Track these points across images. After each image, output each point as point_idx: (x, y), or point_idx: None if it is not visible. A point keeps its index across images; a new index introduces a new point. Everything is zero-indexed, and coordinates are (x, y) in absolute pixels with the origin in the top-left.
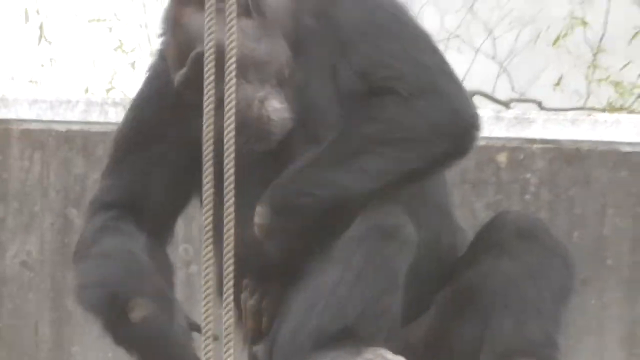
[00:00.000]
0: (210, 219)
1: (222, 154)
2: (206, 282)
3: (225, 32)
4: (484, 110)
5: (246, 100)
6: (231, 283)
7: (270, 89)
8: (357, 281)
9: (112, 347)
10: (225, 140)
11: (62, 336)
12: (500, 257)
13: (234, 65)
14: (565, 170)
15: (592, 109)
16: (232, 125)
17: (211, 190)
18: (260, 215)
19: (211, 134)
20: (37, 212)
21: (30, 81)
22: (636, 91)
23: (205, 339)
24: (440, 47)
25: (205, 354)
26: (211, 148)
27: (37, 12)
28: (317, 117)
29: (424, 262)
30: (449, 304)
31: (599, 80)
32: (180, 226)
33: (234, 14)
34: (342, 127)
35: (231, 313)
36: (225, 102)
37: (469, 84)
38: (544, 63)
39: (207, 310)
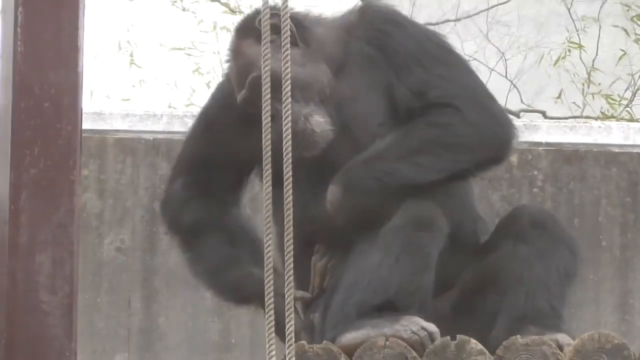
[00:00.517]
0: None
1: (277, 159)
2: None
3: (277, 60)
4: None
5: (294, 116)
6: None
7: (314, 106)
8: (396, 264)
9: (192, 318)
10: (284, 148)
11: (151, 310)
12: (517, 243)
13: (289, 87)
14: (565, 168)
15: (588, 117)
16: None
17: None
18: (332, 193)
19: (269, 142)
20: (129, 207)
21: (123, 99)
22: (624, 103)
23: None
24: None
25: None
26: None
27: (128, 42)
28: (360, 126)
29: (448, 246)
30: (473, 281)
31: (593, 94)
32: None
33: (288, 45)
34: (403, 128)
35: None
36: (283, 118)
37: None
38: (547, 80)
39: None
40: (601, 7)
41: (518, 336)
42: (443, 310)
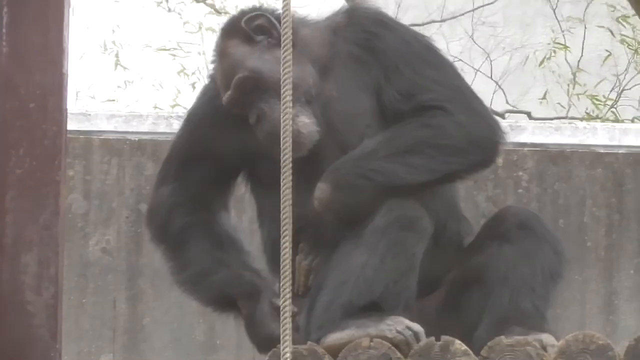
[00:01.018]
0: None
1: (264, 160)
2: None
3: (264, 61)
4: None
5: (279, 116)
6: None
7: (300, 107)
8: (381, 264)
9: (177, 320)
10: (282, 149)
11: (136, 310)
12: (502, 244)
13: (289, 92)
14: (551, 169)
15: (573, 118)
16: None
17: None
18: (321, 190)
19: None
20: (114, 208)
21: (108, 100)
22: (609, 103)
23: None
24: None
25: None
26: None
27: (114, 43)
28: (346, 127)
29: (433, 246)
30: (459, 281)
31: (578, 95)
32: (233, 218)
33: (289, 49)
34: (393, 128)
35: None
36: (282, 122)
37: None
38: (532, 81)
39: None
40: (586, 7)
41: (502, 337)
42: (428, 310)
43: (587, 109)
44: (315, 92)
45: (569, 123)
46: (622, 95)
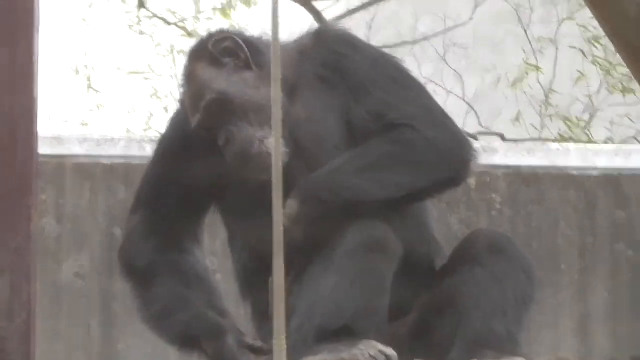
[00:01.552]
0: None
1: (236, 183)
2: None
3: (231, 83)
4: None
5: (249, 139)
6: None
7: (269, 129)
8: (352, 287)
9: (151, 344)
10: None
11: (110, 335)
12: (474, 267)
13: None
14: (524, 191)
15: (546, 139)
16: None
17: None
18: (289, 206)
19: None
20: (87, 232)
21: (81, 123)
22: (582, 124)
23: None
24: None
25: None
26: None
27: (86, 66)
28: (316, 148)
29: (402, 268)
30: (431, 305)
31: (551, 116)
32: (206, 241)
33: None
34: (363, 145)
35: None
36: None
37: None
38: (504, 102)
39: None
40: (558, 28)
41: None
42: (400, 334)
43: (560, 130)
44: (283, 114)
45: (542, 145)
46: (594, 116)
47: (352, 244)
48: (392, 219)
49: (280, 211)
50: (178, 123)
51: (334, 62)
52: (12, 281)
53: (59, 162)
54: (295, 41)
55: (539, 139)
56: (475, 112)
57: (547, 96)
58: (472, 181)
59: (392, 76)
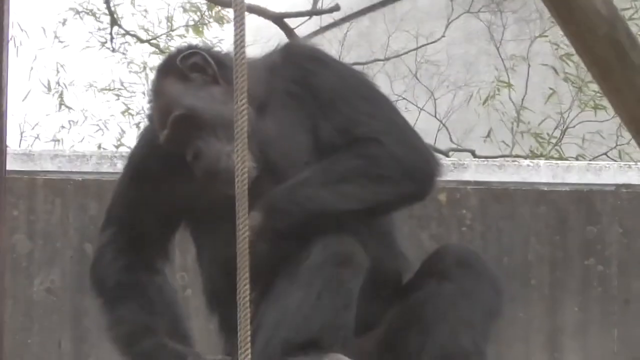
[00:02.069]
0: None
1: (204, 198)
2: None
3: (199, 98)
4: None
5: (216, 154)
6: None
7: None
8: (318, 301)
9: None
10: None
11: (81, 351)
12: (441, 282)
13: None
14: (494, 207)
15: (517, 156)
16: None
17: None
18: (253, 218)
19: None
20: (59, 248)
21: (53, 139)
22: (553, 141)
23: None
24: None
25: None
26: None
27: (57, 83)
28: (285, 164)
29: (369, 283)
30: (398, 319)
31: (522, 133)
32: (177, 256)
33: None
34: (327, 158)
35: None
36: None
37: None
38: (476, 119)
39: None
40: (530, 45)
41: None
42: (368, 348)
43: (531, 147)
44: (252, 130)
45: (513, 161)
46: (566, 133)
47: (318, 257)
48: (359, 233)
49: (245, 224)
50: (147, 139)
51: (303, 78)
52: None
53: (30, 179)
54: (264, 57)
55: (510, 156)
56: (447, 129)
57: (518, 113)
58: (442, 197)
59: (360, 92)
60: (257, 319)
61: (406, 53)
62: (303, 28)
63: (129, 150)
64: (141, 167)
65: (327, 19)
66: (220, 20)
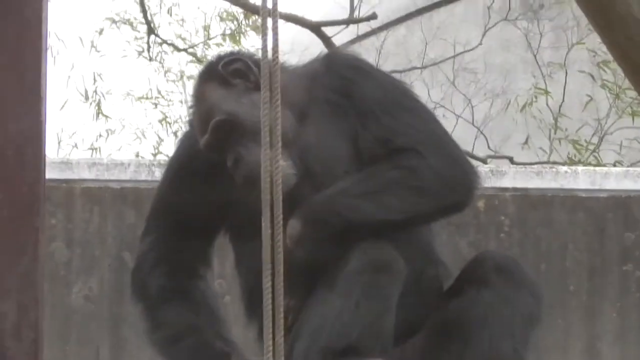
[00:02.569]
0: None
1: (244, 205)
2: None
3: (241, 104)
4: None
5: (257, 160)
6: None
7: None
8: (357, 308)
9: None
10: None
11: (120, 358)
12: (481, 289)
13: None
14: (532, 214)
15: (555, 162)
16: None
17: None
18: (292, 226)
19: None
20: (96, 256)
21: (90, 148)
22: (590, 148)
23: None
24: None
25: None
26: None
27: (95, 92)
28: (324, 172)
29: (410, 290)
30: (438, 326)
31: (560, 139)
32: (215, 264)
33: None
34: (367, 169)
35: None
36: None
37: None
38: (514, 126)
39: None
40: (567, 53)
41: None
42: (409, 355)
43: (568, 153)
44: (292, 137)
45: (550, 168)
46: (603, 140)
47: (356, 264)
48: (397, 240)
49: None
50: (187, 144)
51: (343, 87)
52: (19, 302)
53: (68, 187)
54: (305, 65)
55: (548, 162)
56: (485, 136)
57: (556, 120)
58: (481, 204)
59: (401, 102)
60: (296, 327)
61: (443, 61)
62: (340, 37)
63: (166, 158)
64: (181, 173)
65: (363, 27)
66: (257, 29)
